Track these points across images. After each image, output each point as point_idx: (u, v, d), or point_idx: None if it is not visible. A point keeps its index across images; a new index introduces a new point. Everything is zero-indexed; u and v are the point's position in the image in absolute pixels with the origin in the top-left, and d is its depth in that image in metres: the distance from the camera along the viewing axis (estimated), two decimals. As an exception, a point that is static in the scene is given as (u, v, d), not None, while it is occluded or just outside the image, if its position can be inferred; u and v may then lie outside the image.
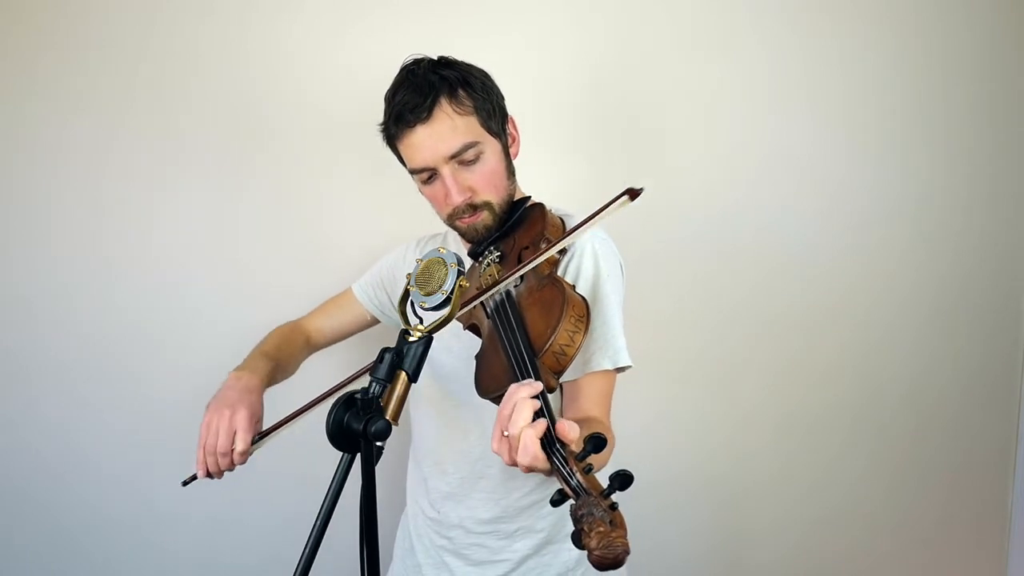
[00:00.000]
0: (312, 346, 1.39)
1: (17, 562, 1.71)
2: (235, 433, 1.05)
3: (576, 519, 0.64)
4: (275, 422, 1.09)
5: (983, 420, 1.89)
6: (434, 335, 0.89)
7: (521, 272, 0.99)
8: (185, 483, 1.10)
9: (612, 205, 0.95)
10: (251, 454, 1.07)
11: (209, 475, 1.07)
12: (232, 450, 1.05)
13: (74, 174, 1.63)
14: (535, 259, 0.99)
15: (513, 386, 0.77)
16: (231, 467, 1.07)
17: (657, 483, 1.78)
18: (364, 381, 0.88)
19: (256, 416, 1.09)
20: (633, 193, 0.94)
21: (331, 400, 0.88)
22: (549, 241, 1.02)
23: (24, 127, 1.61)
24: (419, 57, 1.13)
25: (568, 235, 1.01)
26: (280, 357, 1.26)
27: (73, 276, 1.65)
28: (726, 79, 1.73)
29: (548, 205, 1.14)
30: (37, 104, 1.61)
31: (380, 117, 1.14)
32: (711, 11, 1.70)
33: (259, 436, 1.08)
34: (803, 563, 1.90)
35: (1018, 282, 1.86)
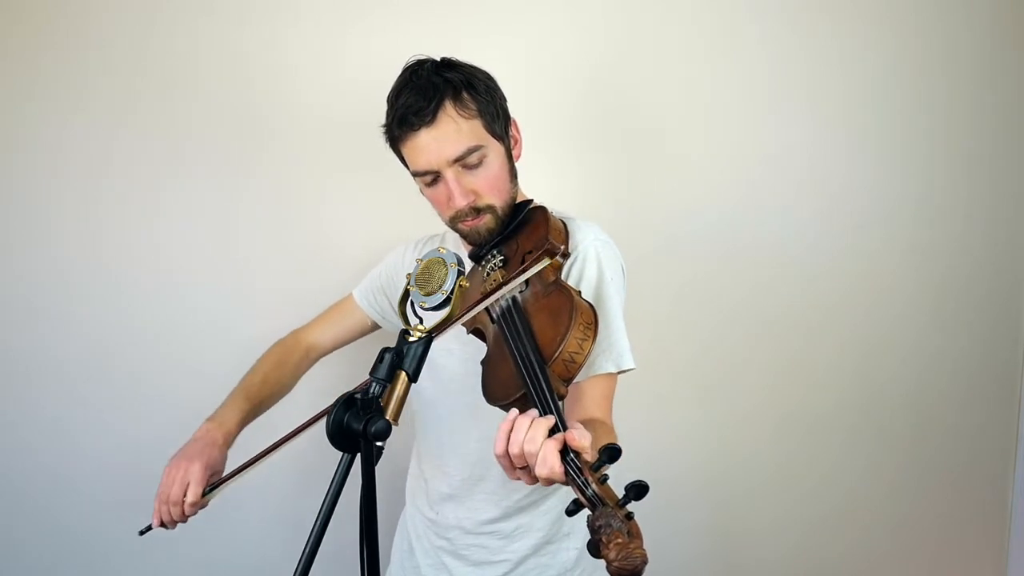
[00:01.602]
0: (312, 358, 1.39)
1: (17, 562, 1.71)
2: (187, 485, 1.09)
3: (593, 530, 0.64)
4: (232, 469, 1.11)
5: (983, 420, 1.89)
6: (435, 337, 0.89)
7: (524, 278, 0.98)
8: (142, 532, 1.13)
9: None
10: (205, 505, 1.12)
11: (163, 524, 1.11)
12: (183, 501, 1.09)
13: (74, 174, 1.62)
14: (532, 267, 0.98)
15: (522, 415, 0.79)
16: (183, 518, 1.11)
17: (656, 483, 1.73)
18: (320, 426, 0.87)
19: (212, 469, 1.12)
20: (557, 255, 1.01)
21: (279, 450, 0.97)
22: (551, 246, 1.02)
23: (24, 127, 1.61)
24: (422, 58, 1.11)
25: (515, 276, 1.00)
26: (264, 393, 1.28)
27: (73, 276, 1.64)
28: (726, 79, 1.72)
29: (550, 208, 1.14)
30: (37, 104, 1.61)
31: (381, 117, 1.13)
32: (711, 11, 1.70)
33: (211, 487, 1.11)
34: (803, 563, 1.89)
35: (1018, 282, 1.86)
